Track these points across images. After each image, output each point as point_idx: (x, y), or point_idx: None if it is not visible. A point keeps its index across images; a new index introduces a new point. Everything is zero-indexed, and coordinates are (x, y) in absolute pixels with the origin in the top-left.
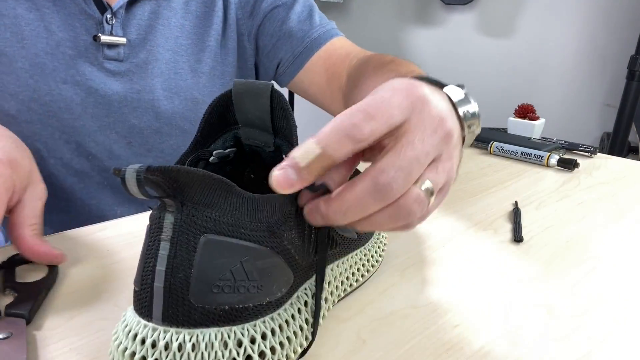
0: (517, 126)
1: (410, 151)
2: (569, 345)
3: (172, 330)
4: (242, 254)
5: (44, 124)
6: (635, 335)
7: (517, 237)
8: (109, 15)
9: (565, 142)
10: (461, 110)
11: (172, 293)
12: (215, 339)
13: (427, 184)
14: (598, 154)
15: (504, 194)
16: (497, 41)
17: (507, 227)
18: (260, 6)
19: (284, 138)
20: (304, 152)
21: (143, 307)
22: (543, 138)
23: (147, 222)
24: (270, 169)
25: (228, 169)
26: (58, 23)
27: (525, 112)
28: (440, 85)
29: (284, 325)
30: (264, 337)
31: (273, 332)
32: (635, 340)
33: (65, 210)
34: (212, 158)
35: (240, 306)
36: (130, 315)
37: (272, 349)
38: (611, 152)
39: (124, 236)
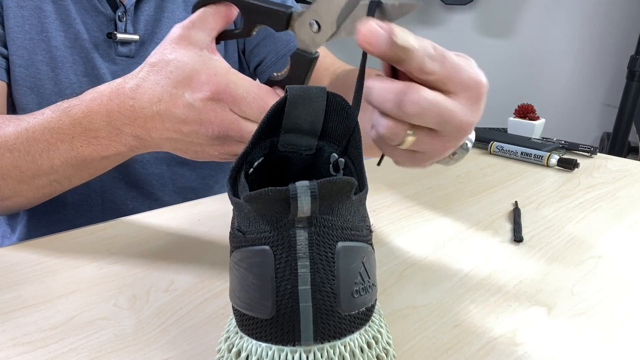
0: (517, 126)
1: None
2: (569, 345)
3: (326, 345)
4: (361, 255)
5: None
6: (635, 335)
7: (517, 237)
8: (120, 13)
9: (565, 142)
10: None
11: (322, 309)
12: (363, 341)
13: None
14: (598, 154)
15: (504, 194)
16: (497, 41)
17: (507, 227)
18: None
19: (331, 139)
20: (401, 31)
21: (285, 332)
22: (543, 138)
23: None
24: (299, 175)
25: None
26: (74, 16)
27: (525, 112)
28: None
29: (381, 313)
30: (381, 327)
31: (380, 319)
32: (635, 340)
33: (77, 205)
34: (251, 170)
35: (370, 305)
36: (261, 349)
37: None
38: (611, 152)
39: (124, 236)
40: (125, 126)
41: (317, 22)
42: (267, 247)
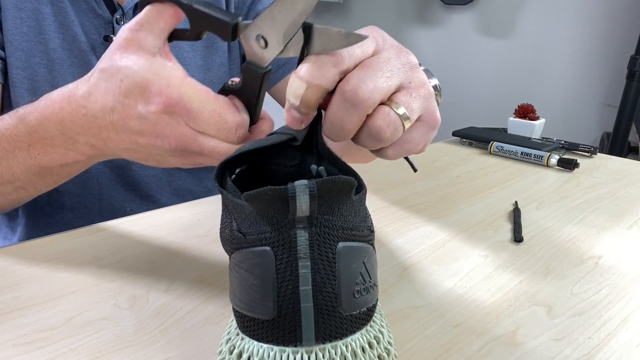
0: (517, 126)
1: (374, 64)
2: (569, 345)
3: (328, 346)
4: (362, 255)
5: None
6: (635, 335)
7: (517, 237)
8: (118, 16)
9: (565, 142)
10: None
11: (323, 309)
12: (364, 341)
13: (400, 107)
14: (598, 154)
15: (504, 194)
16: (497, 41)
17: (507, 227)
18: (255, 9)
19: (310, 151)
20: (293, 91)
21: (287, 333)
22: (543, 138)
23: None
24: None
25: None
26: (72, 18)
27: (525, 112)
28: None
29: (382, 313)
30: (382, 327)
31: (382, 319)
32: (635, 340)
33: (75, 208)
34: (233, 176)
35: (372, 305)
36: (262, 350)
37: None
38: (611, 152)
39: (124, 236)
40: (79, 135)
41: (263, 38)
42: (267, 248)
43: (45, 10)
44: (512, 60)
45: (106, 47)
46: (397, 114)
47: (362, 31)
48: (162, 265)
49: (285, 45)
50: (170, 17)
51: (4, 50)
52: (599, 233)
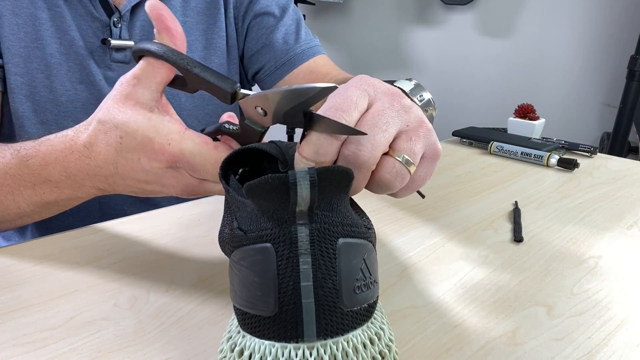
0: (517, 126)
1: (370, 121)
2: (569, 345)
3: (329, 341)
4: (362, 252)
5: (59, 125)
6: (635, 335)
7: (517, 237)
8: (115, 19)
9: (565, 142)
10: (415, 98)
11: (324, 305)
12: (366, 337)
13: (402, 155)
14: (598, 154)
15: (504, 194)
16: (497, 41)
17: (507, 227)
18: (253, 8)
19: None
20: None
21: (288, 329)
22: (543, 138)
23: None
24: None
25: None
26: (69, 22)
27: (525, 112)
28: (390, 82)
29: (383, 311)
30: (383, 323)
31: (382, 316)
32: (635, 340)
33: (75, 212)
34: (237, 177)
35: (372, 301)
36: (264, 347)
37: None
38: (611, 152)
39: (124, 236)
40: (85, 180)
41: (262, 108)
42: (268, 245)
43: (42, 16)
44: (512, 60)
45: (104, 50)
46: (402, 163)
47: (352, 82)
48: (162, 266)
49: (283, 117)
50: (166, 72)
51: (1, 57)
52: (599, 233)
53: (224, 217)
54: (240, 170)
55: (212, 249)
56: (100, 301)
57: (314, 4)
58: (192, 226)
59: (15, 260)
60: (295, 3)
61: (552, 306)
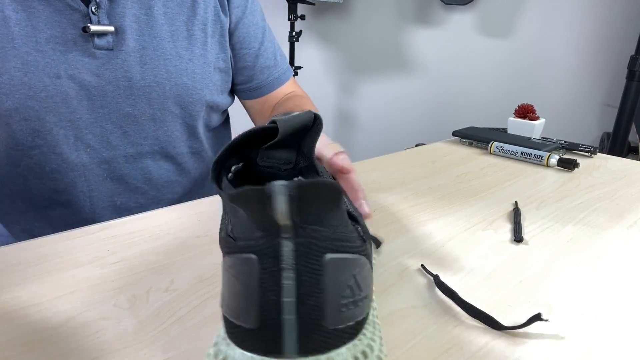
0: (517, 126)
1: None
2: (569, 345)
3: (310, 359)
4: (353, 267)
5: (41, 120)
6: (635, 335)
7: (517, 237)
8: (93, 7)
9: (565, 142)
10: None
11: (306, 322)
12: (350, 356)
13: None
14: (598, 154)
15: (504, 194)
16: (497, 41)
17: (507, 227)
18: (240, 32)
19: (304, 155)
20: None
21: (270, 344)
22: (543, 138)
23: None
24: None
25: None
26: (45, 20)
27: (525, 112)
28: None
29: (376, 324)
30: (373, 340)
31: (374, 331)
32: (635, 340)
33: (67, 205)
34: (230, 175)
35: (361, 319)
36: (245, 359)
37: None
38: (611, 152)
39: (124, 236)
40: None
41: None
42: (253, 256)
43: (17, 17)
44: (512, 60)
45: (85, 39)
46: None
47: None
48: (162, 265)
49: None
50: None
51: None
52: (599, 233)
53: (222, 217)
54: (234, 168)
55: (212, 249)
56: (100, 301)
57: (314, 4)
58: (192, 226)
59: (15, 260)
60: (295, 3)
61: (552, 306)
